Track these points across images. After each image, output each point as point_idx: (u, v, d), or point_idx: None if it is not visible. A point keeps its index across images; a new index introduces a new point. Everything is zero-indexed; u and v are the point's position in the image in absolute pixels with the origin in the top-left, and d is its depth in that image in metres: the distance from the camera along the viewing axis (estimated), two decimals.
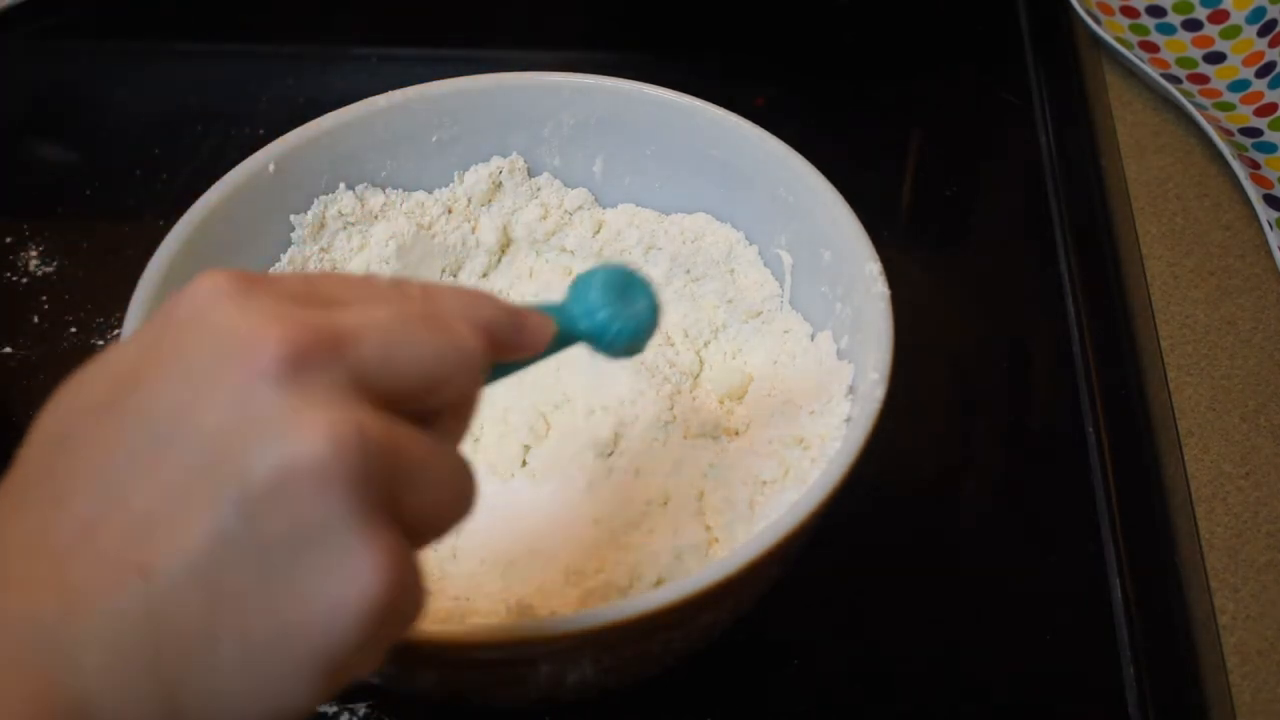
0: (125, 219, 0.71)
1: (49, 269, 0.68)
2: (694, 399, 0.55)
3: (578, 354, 0.55)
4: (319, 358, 0.28)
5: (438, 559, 0.50)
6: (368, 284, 0.32)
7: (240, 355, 0.28)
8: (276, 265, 0.55)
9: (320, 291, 0.31)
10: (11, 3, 0.81)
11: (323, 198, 0.56)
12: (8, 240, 0.69)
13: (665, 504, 0.50)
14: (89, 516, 0.27)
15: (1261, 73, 0.74)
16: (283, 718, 0.28)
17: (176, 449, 0.27)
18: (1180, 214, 0.69)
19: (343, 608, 0.27)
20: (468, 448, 0.54)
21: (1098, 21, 0.76)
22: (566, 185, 0.59)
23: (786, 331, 0.55)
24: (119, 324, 0.48)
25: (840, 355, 0.51)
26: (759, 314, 0.56)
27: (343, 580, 0.27)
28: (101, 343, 0.64)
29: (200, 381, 0.28)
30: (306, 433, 0.27)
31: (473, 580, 0.50)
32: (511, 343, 0.34)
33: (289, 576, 0.27)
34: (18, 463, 0.29)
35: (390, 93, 0.56)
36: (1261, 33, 0.75)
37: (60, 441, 0.29)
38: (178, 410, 0.28)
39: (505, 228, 0.58)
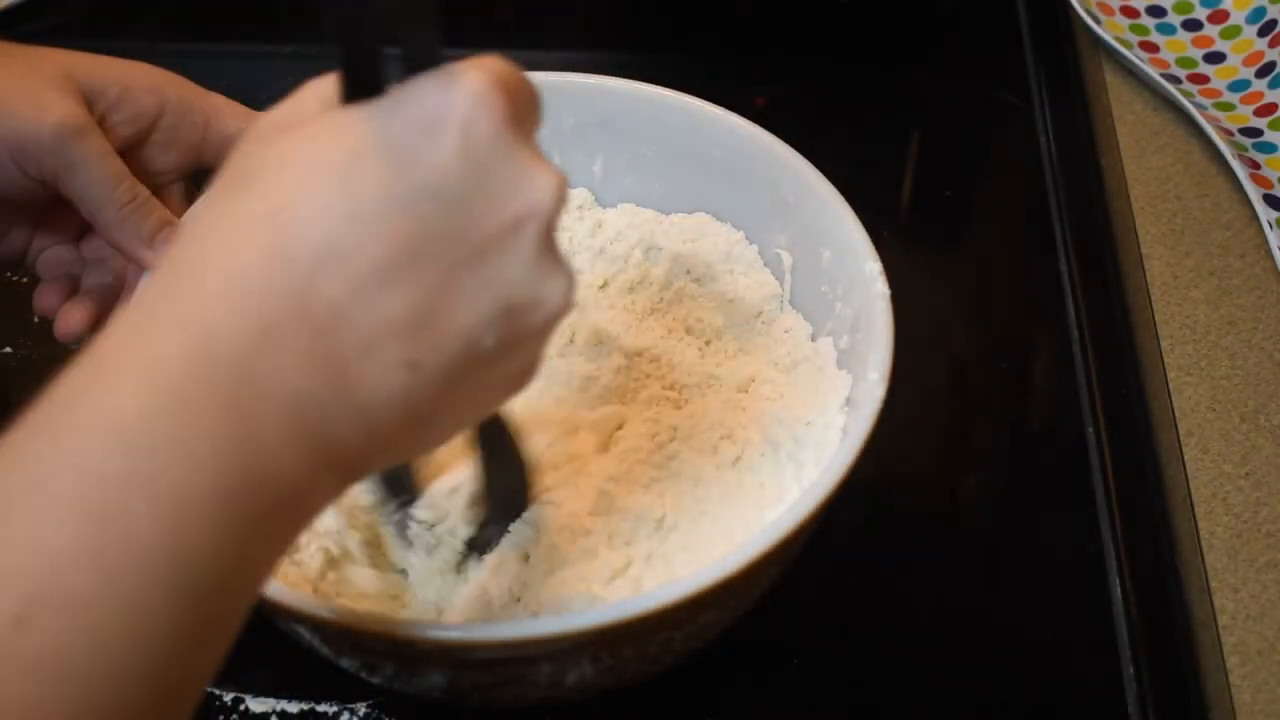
0: None
1: None
2: (694, 400, 0.55)
3: (573, 363, 0.56)
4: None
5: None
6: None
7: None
8: None
9: None
10: (12, 3, 0.81)
11: None
12: None
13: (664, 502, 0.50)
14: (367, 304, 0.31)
15: (1262, 73, 0.74)
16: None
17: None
18: (1180, 214, 0.69)
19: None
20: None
21: (1098, 21, 0.76)
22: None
23: (787, 331, 0.55)
24: None
25: (840, 355, 0.51)
26: (759, 314, 0.56)
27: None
28: None
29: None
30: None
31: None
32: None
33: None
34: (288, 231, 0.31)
35: None
36: (1261, 33, 0.75)
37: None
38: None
39: None
